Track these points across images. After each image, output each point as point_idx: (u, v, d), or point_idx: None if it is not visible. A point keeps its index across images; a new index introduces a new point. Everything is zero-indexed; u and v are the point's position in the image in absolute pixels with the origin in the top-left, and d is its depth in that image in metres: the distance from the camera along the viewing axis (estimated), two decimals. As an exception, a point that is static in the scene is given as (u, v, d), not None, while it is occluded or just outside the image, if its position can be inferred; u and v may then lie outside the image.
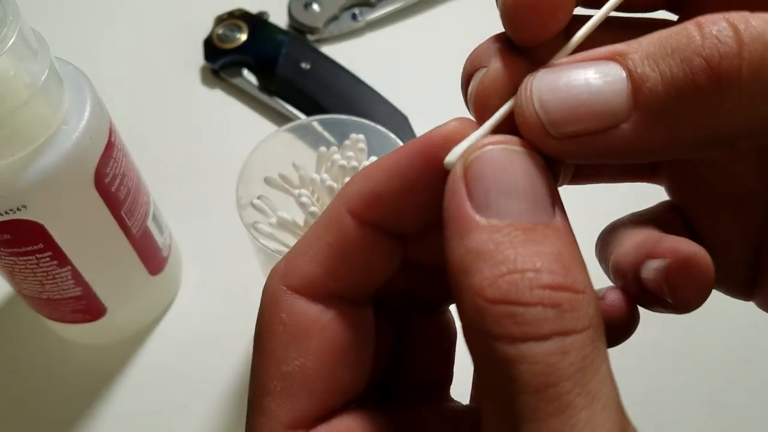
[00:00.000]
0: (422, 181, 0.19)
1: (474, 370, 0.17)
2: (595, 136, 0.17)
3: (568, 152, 0.18)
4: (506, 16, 0.19)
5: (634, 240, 0.25)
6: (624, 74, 0.17)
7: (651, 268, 0.23)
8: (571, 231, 0.18)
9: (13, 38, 0.30)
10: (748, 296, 0.25)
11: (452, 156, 0.18)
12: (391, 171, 0.19)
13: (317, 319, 0.20)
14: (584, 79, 0.17)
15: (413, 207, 0.20)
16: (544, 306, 0.16)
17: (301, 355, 0.19)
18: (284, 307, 0.20)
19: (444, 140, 0.19)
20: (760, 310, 0.25)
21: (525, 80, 0.18)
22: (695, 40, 0.16)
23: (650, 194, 0.27)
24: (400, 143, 0.45)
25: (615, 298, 0.24)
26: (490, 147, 0.18)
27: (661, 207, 0.27)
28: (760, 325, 0.44)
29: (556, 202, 0.18)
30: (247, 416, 0.20)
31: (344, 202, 0.20)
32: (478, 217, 0.17)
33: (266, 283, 0.20)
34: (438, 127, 0.19)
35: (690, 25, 0.16)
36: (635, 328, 0.24)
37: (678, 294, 0.23)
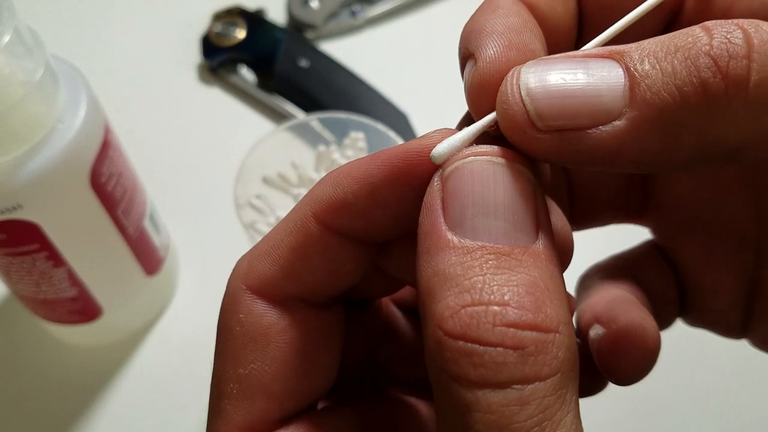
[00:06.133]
0: (393, 194, 0.18)
1: (434, 400, 0.16)
2: (584, 133, 0.16)
3: (552, 150, 0.16)
4: (471, 100, 0.18)
5: (591, 298, 0.24)
6: (621, 71, 0.16)
7: (593, 334, 0.23)
8: (555, 258, 0.16)
9: (9, 35, 0.29)
10: (739, 336, 0.25)
11: (440, 149, 0.17)
12: (362, 181, 0.18)
13: (276, 322, 0.19)
14: (577, 72, 0.16)
15: (383, 218, 0.19)
16: (505, 347, 0.14)
17: (258, 358, 0.19)
18: (243, 308, 0.19)
19: (421, 153, 0.18)
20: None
21: (512, 69, 0.17)
22: (702, 40, 0.15)
23: (636, 229, 0.27)
24: (400, 141, 0.45)
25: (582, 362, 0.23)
26: (471, 158, 0.16)
27: (645, 247, 0.26)
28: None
29: (542, 224, 0.16)
30: (208, 417, 0.20)
31: (311, 207, 0.19)
32: (450, 236, 0.16)
33: (229, 281, 0.20)
34: (416, 138, 0.18)
35: (696, 28, 0.15)
36: (602, 389, 0.24)
37: (607, 367, 0.22)
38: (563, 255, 0.20)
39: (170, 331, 0.46)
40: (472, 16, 0.20)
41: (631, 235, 0.27)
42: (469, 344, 0.14)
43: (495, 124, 0.17)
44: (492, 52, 0.18)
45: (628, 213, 0.26)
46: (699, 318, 0.26)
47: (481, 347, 0.14)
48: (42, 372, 0.45)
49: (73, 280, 0.38)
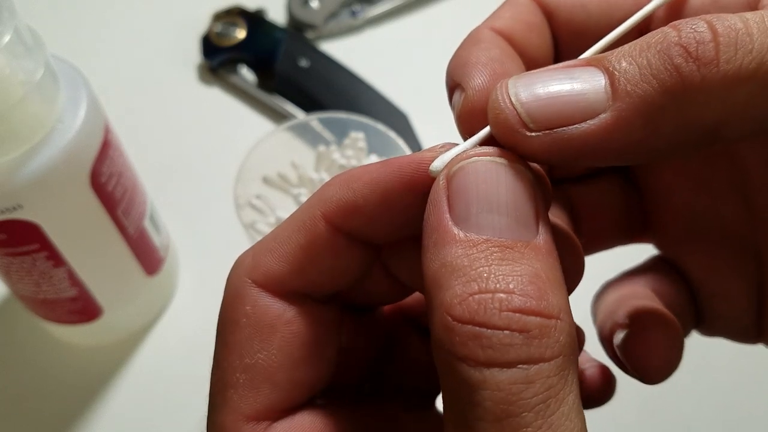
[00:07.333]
0: (401, 201, 0.19)
1: (441, 386, 0.17)
2: (574, 128, 0.17)
3: (545, 148, 0.17)
4: (462, 125, 0.19)
5: (608, 305, 0.25)
6: (601, 73, 0.17)
7: (616, 341, 0.24)
8: (555, 252, 0.17)
9: (9, 35, 0.29)
10: (755, 340, 0.25)
11: (439, 163, 0.18)
12: (371, 187, 0.19)
13: (281, 314, 0.20)
14: (561, 78, 0.17)
15: (390, 222, 0.20)
16: (511, 330, 0.15)
17: (264, 348, 0.19)
18: (249, 300, 0.20)
19: (426, 164, 0.19)
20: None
21: (499, 82, 0.18)
22: (671, 34, 0.16)
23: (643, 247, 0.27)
24: (400, 141, 0.45)
25: (591, 373, 0.24)
26: (475, 158, 0.17)
27: (654, 262, 0.27)
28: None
29: (542, 220, 0.17)
30: (209, 409, 0.20)
31: (321, 207, 0.20)
32: (456, 230, 0.17)
33: (230, 275, 0.20)
34: (423, 150, 0.19)
35: (665, 27, 0.17)
36: (609, 398, 0.25)
37: (636, 363, 0.23)
38: (574, 266, 0.20)
39: (170, 331, 0.46)
40: (456, 51, 0.21)
41: (638, 253, 0.27)
42: (477, 328, 0.15)
43: (486, 140, 0.18)
44: (479, 81, 0.20)
45: (631, 233, 0.27)
46: (714, 327, 0.26)
47: (489, 330, 0.15)
48: (42, 372, 0.45)
49: (73, 280, 0.38)
